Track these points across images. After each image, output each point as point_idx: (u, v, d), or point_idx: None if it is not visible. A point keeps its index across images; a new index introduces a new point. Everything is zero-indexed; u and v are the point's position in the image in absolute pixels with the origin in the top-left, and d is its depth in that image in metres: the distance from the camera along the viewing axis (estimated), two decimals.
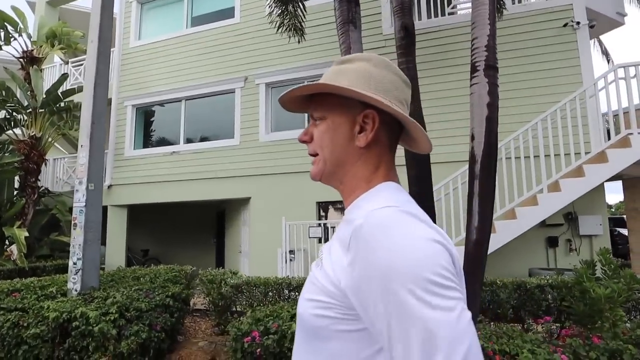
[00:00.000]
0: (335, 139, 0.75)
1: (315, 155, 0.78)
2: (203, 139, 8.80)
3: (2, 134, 8.24)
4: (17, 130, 8.40)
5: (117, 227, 9.25)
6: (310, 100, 0.79)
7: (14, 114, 8.23)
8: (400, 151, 1.13)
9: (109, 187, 9.19)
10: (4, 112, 8.11)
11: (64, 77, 8.55)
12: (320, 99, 0.77)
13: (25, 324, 3.38)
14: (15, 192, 8.18)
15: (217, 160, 8.28)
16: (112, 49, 9.99)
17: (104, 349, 3.20)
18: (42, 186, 8.62)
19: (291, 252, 6.29)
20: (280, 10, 6.36)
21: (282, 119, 8.15)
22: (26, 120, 8.26)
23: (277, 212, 7.19)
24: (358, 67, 0.75)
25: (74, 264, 3.96)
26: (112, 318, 3.29)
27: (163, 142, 9.24)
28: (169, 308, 3.98)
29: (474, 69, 3.14)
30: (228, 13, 8.98)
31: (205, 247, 12.28)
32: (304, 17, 6.58)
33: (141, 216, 10.15)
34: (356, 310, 0.60)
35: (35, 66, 8.37)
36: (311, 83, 0.74)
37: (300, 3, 6.30)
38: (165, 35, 9.39)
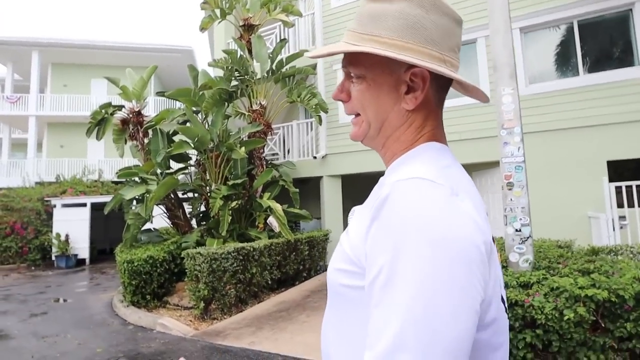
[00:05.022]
0: (379, 100, 0.63)
1: (355, 115, 0.67)
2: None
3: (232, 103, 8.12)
4: (245, 100, 8.23)
5: (333, 199, 8.91)
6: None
7: (241, 83, 8.02)
8: None
9: (324, 157, 8.84)
10: (234, 82, 7.93)
11: (283, 41, 8.16)
12: (356, 54, 0.61)
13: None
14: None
15: (456, 121, 7.38)
16: (312, 12, 9.52)
17: None
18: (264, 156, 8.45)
19: (622, 217, 5.29)
20: None
21: (544, 68, 7.00)
22: (251, 89, 8.01)
23: (546, 174, 6.40)
24: (400, 9, 0.58)
25: (517, 230, 3.30)
26: None
27: None
28: None
29: None
30: None
31: None
32: None
33: (350, 187, 9.70)
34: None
35: (254, 34, 8.03)
36: (334, 46, 0.63)
37: None
38: None
